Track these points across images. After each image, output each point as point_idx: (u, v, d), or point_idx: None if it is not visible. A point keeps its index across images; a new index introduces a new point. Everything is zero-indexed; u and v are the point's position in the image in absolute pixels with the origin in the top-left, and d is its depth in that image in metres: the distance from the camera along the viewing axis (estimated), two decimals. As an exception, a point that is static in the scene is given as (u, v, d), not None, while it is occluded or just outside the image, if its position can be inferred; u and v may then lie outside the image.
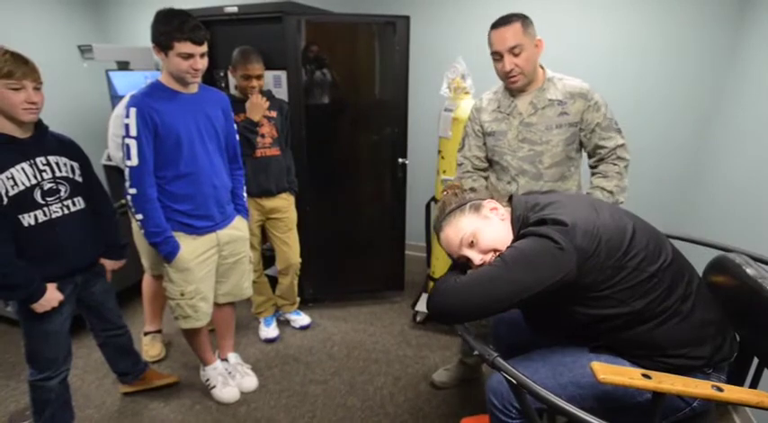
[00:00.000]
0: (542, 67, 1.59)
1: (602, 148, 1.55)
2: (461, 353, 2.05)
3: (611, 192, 1.52)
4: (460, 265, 1.20)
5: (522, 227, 1.10)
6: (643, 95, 2.58)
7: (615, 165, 1.54)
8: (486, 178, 1.74)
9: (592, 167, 1.62)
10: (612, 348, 1.11)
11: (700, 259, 1.38)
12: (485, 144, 1.70)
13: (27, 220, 1.41)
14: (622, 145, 1.55)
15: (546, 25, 2.54)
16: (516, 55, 1.47)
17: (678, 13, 2.41)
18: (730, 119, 2.28)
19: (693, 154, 2.56)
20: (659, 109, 2.58)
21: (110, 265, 1.73)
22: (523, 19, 1.47)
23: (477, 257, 1.12)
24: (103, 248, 1.68)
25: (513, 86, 1.55)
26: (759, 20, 2.13)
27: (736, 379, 1.18)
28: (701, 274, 1.24)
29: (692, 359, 1.05)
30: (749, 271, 1.12)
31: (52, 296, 1.47)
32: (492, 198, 1.20)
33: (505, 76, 1.52)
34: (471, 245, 1.12)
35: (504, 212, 1.17)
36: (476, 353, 1.59)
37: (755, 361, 1.16)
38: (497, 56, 1.50)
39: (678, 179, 2.64)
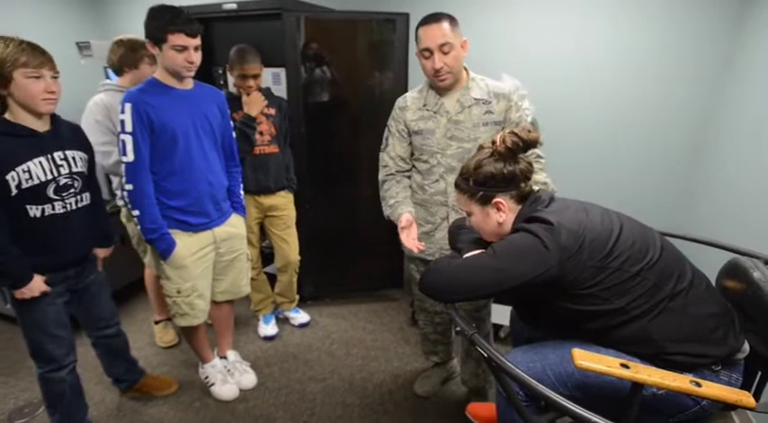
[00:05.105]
0: (465, 69, 1.60)
1: None
2: (424, 354, 2.05)
3: (545, 183, 1.57)
4: (458, 251, 1.27)
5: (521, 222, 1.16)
6: (643, 94, 2.57)
7: (537, 162, 1.58)
8: (409, 178, 1.74)
9: None
10: (619, 346, 1.11)
11: (707, 260, 1.38)
12: (410, 144, 1.69)
13: (33, 211, 1.39)
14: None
15: (546, 25, 2.56)
16: (446, 53, 1.48)
17: (678, 12, 2.40)
18: (731, 119, 2.27)
19: (695, 153, 2.55)
20: (659, 108, 2.57)
21: (101, 252, 1.71)
22: (451, 18, 1.49)
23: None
24: (98, 239, 1.66)
25: (442, 84, 1.55)
26: (759, 19, 2.12)
27: (743, 385, 1.14)
28: (715, 278, 1.24)
29: (696, 357, 1.04)
30: (755, 275, 1.10)
31: (35, 286, 1.44)
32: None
33: (434, 75, 1.52)
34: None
35: (508, 208, 1.20)
36: (457, 329, 1.63)
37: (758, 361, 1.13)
38: (427, 53, 1.50)
39: (680, 178, 2.63)
